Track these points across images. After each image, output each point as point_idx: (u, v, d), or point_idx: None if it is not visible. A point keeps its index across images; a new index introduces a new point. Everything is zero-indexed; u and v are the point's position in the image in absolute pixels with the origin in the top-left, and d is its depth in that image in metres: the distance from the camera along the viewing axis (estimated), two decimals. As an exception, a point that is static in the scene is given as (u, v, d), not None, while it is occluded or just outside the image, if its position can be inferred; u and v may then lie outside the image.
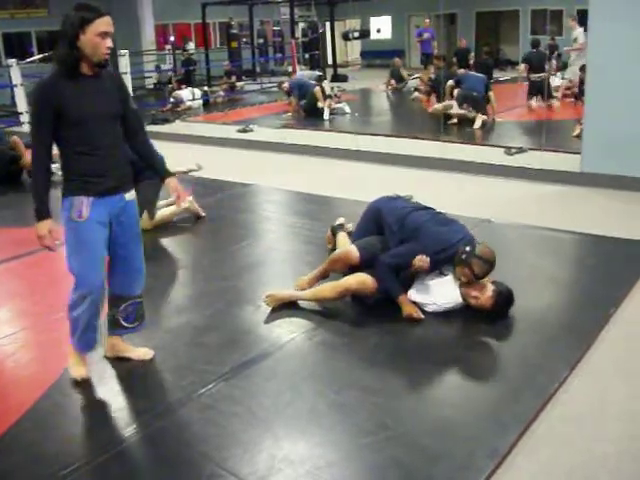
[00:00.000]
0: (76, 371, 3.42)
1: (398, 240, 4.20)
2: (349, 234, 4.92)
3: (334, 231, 5.13)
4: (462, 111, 10.61)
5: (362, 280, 4.08)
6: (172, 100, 14.20)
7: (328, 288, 4.16)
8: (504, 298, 3.94)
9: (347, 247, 4.38)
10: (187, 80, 15.92)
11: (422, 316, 3.97)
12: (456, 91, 10.91)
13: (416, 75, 15.80)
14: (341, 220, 5.18)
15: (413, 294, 4.09)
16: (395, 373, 3.46)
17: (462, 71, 12.90)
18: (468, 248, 3.96)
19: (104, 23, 3.08)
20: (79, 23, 3.06)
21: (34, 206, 3.14)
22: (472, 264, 3.90)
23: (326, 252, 4.95)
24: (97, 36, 3.03)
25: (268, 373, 3.47)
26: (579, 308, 4.16)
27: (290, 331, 3.89)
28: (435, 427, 2.95)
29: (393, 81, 16.07)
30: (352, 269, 4.24)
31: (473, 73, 11.98)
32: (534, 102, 11.74)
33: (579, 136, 7.64)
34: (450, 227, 4.22)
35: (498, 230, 5.63)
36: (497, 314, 3.94)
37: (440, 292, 4.06)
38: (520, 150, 8.29)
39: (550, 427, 2.95)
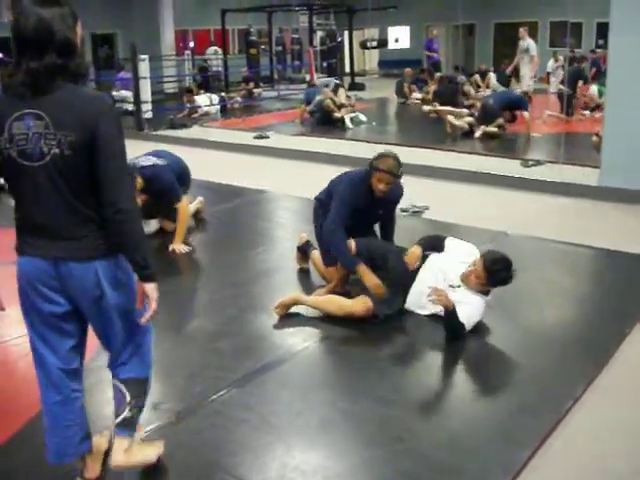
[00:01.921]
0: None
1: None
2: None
3: (304, 250, 4.96)
4: (458, 123, 10.61)
5: (368, 308, 4.02)
6: (189, 105, 14.26)
7: (334, 306, 4.10)
8: (492, 256, 3.92)
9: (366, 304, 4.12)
10: (204, 86, 15.98)
11: (379, 283, 4.01)
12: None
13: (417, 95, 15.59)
14: (304, 236, 5.00)
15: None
16: (409, 384, 3.44)
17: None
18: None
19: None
20: (74, 20, 2.26)
21: (144, 261, 2.34)
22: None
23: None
24: (80, 41, 2.32)
25: (281, 381, 3.45)
26: (596, 324, 4.12)
27: (303, 339, 3.87)
28: (448, 441, 2.92)
29: (406, 91, 15.65)
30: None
31: (499, 92, 12.19)
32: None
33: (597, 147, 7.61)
34: None
35: (514, 243, 5.59)
36: (494, 278, 3.87)
37: (468, 310, 3.86)
38: (537, 163, 8.25)
39: (565, 444, 2.91)
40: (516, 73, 14.95)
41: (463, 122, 10.65)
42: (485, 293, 3.99)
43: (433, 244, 4.30)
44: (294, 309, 4.21)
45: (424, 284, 4.03)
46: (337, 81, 14.41)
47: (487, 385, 3.44)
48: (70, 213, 2.26)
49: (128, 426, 2.59)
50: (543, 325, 4.02)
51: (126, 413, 2.56)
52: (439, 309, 3.89)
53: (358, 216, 4.36)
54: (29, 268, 2.35)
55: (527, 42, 13.47)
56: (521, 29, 13.78)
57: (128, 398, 2.56)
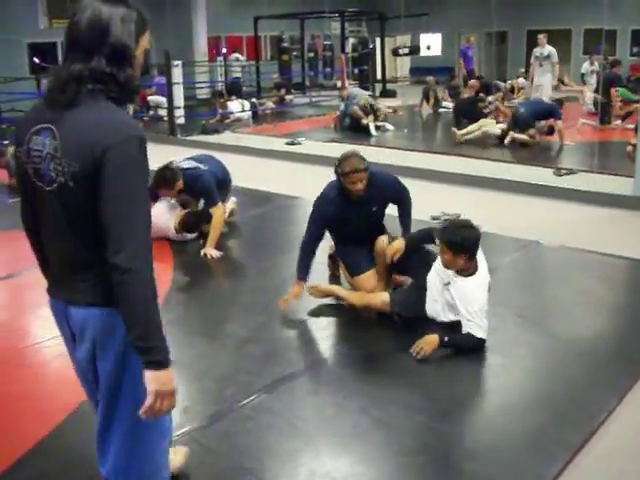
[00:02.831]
0: None
1: None
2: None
3: (334, 258, 4.94)
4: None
5: (384, 302, 4.14)
6: (221, 111, 14.36)
7: (356, 296, 4.33)
8: (444, 232, 3.84)
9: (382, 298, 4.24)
10: (235, 92, 16.06)
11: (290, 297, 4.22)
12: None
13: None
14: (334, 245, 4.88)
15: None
16: (440, 393, 3.42)
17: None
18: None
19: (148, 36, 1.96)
20: (141, 28, 1.91)
21: (145, 340, 1.81)
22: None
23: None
24: (142, 54, 1.94)
25: (310, 387, 3.46)
26: (630, 335, 4.06)
27: (333, 345, 3.88)
28: (479, 451, 2.90)
29: (425, 103, 15.28)
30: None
31: (532, 100, 12.15)
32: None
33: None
34: None
35: (547, 253, 5.54)
36: (461, 246, 3.70)
37: (471, 301, 3.77)
38: (570, 171, 8.17)
39: (597, 458, 2.86)
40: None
41: (497, 129, 10.57)
42: (474, 269, 3.82)
43: (421, 238, 4.32)
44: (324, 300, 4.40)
45: (432, 289, 3.99)
46: (369, 92, 14.33)
47: (518, 396, 3.41)
48: (71, 251, 1.92)
49: None
50: (576, 336, 3.97)
51: None
52: (455, 317, 3.85)
53: (348, 224, 4.36)
54: (51, 306, 2.09)
55: (547, 49, 12.81)
56: (540, 36, 13.10)
57: None
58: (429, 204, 6.41)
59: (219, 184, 5.81)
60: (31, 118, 1.92)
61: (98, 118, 1.81)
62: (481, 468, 2.78)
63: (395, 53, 18.83)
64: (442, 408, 3.26)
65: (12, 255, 5.95)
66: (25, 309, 4.75)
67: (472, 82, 14.07)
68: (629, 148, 7.81)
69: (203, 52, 19.87)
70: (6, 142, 9.14)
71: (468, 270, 3.80)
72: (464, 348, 3.73)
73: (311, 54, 22.14)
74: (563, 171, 8.18)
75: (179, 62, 13.26)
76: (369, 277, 4.41)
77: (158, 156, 7.46)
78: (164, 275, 5.16)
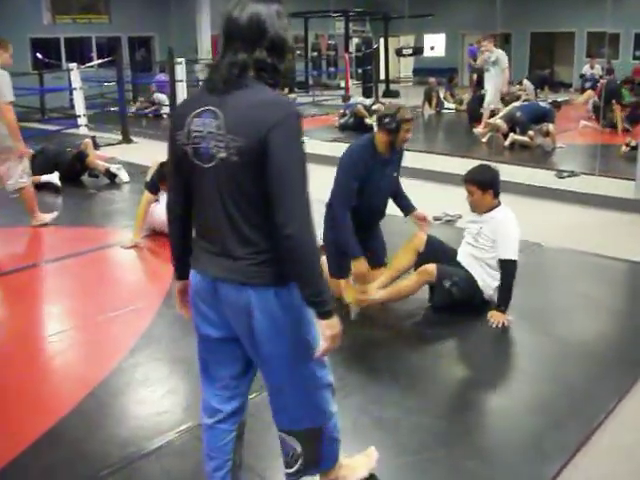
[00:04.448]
0: None
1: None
2: None
3: None
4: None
5: (433, 273, 4.15)
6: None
7: (389, 290, 4.27)
8: (474, 173, 4.29)
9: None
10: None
11: (365, 272, 4.14)
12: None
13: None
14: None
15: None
16: (439, 393, 3.44)
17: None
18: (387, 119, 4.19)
19: None
20: (287, 24, 2.10)
21: (317, 296, 2.04)
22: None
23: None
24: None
25: (311, 385, 3.46)
26: (629, 338, 4.07)
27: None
28: (478, 451, 2.92)
29: (427, 104, 15.17)
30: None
31: (528, 103, 11.86)
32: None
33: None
34: None
35: (548, 255, 5.56)
36: (492, 184, 4.23)
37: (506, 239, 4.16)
38: (572, 174, 8.18)
39: (595, 459, 2.88)
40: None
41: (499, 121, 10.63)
42: (497, 205, 4.28)
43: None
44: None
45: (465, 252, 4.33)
46: (369, 101, 14.25)
47: (517, 397, 3.42)
48: (230, 228, 2.02)
49: (305, 473, 2.37)
50: (576, 338, 3.99)
51: (298, 466, 2.33)
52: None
53: (370, 186, 4.25)
54: (194, 282, 2.17)
55: (496, 53, 11.34)
56: (484, 41, 11.55)
57: (299, 449, 2.30)
58: (431, 205, 6.40)
59: None
60: (190, 103, 2.11)
61: (261, 98, 1.98)
62: (480, 468, 2.79)
63: (399, 53, 18.82)
64: (441, 409, 3.28)
65: (15, 251, 5.98)
66: (28, 305, 4.77)
67: None
68: (624, 149, 7.88)
69: (207, 50, 19.87)
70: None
71: (495, 208, 4.25)
72: (511, 286, 4.09)
73: (315, 53, 22.15)
74: (565, 173, 8.19)
75: (182, 60, 13.26)
76: (363, 261, 4.23)
77: (161, 153, 7.50)
78: (166, 271, 5.16)
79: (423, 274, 4.13)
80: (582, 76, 15.94)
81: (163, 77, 15.33)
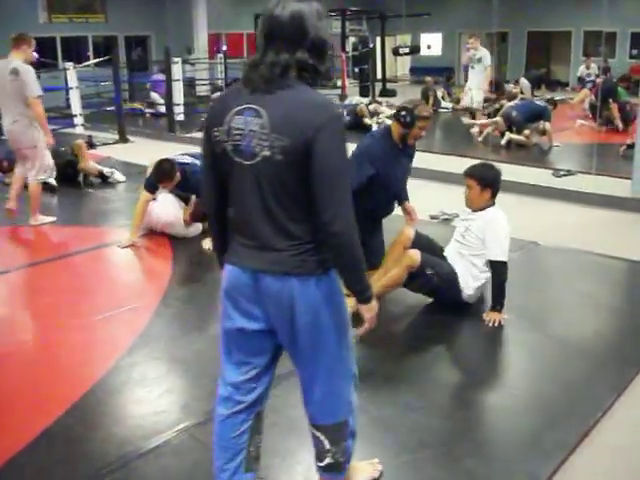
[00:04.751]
0: None
1: None
2: None
3: None
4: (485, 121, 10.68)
5: (417, 260, 4.08)
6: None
7: (379, 282, 4.18)
8: (479, 169, 4.28)
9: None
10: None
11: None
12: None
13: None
14: None
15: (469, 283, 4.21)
16: (437, 392, 3.44)
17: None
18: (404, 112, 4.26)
19: None
20: (326, 23, 2.16)
21: (360, 284, 2.19)
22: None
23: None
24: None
25: (308, 384, 3.46)
26: (627, 336, 4.08)
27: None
28: (476, 449, 2.92)
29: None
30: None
31: (524, 102, 11.87)
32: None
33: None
34: None
35: (545, 253, 5.56)
36: (494, 183, 4.23)
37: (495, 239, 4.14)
38: (568, 173, 8.20)
39: (593, 456, 2.89)
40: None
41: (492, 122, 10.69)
42: (490, 205, 4.25)
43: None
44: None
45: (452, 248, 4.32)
46: (364, 101, 14.24)
47: (514, 395, 3.43)
48: (271, 222, 2.07)
49: (334, 470, 2.41)
50: (572, 336, 3.99)
51: (329, 460, 2.37)
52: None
53: (387, 176, 4.35)
54: (231, 277, 2.19)
55: (481, 52, 11.32)
56: (471, 39, 11.62)
57: (327, 446, 2.35)
58: (428, 203, 6.44)
59: None
60: (228, 101, 2.11)
61: (305, 99, 2.02)
62: (478, 466, 2.80)
63: (395, 52, 18.84)
64: (438, 407, 3.28)
65: (11, 250, 5.98)
66: (25, 304, 4.76)
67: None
68: (623, 148, 7.89)
69: (203, 49, 19.86)
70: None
71: (487, 207, 4.23)
72: (504, 286, 4.07)
73: (311, 52, 22.11)
74: (561, 172, 8.21)
75: (179, 59, 13.24)
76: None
77: (157, 153, 7.50)
78: (164, 270, 5.18)
79: (407, 259, 4.10)
80: (580, 78, 15.92)
81: (158, 76, 15.29)
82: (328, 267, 2.13)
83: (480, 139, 10.74)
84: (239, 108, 2.04)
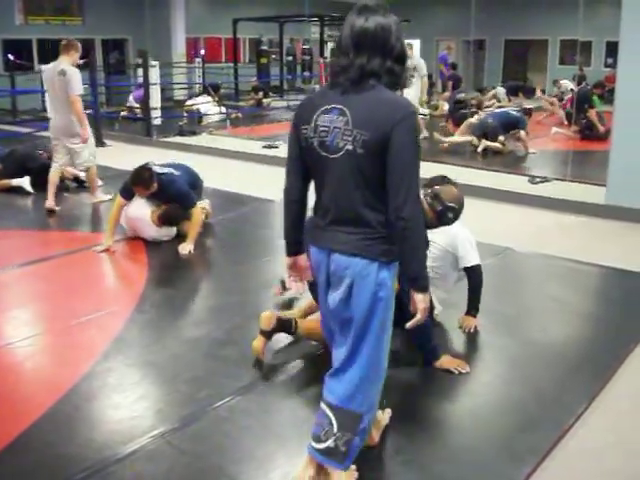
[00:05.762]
0: None
1: None
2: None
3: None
4: (467, 138, 10.75)
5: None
6: (185, 114, 14.42)
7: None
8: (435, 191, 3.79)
9: None
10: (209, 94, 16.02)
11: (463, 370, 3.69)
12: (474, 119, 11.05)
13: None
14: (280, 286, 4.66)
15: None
16: (410, 396, 3.45)
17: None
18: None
19: None
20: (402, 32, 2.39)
21: (420, 271, 2.37)
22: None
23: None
24: None
25: (285, 389, 3.47)
26: (599, 341, 4.12)
27: (309, 347, 3.89)
28: (449, 454, 2.94)
29: None
30: None
31: (500, 111, 11.92)
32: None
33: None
34: None
35: (519, 259, 5.62)
36: (443, 218, 3.81)
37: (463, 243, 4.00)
38: (544, 179, 8.28)
39: (565, 461, 2.91)
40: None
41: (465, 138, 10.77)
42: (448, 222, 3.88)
43: None
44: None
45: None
46: None
47: (489, 400, 3.45)
48: (350, 209, 2.35)
49: (332, 456, 2.47)
50: (546, 341, 4.03)
51: (330, 443, 2.46)
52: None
53: None
54: (314, 256, 2.51)
55: (415, 61, 11.00)
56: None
57: (335, 429, 2.45)
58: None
59: (192, 187, 6.07)
60: (316, 101, 2.40)
61: (384, 98, 2.29)
62: (452, 470, 2.81)
63: (373, 58, 18.85)
64: (411, 412, 3.29)
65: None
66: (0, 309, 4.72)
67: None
68: None
69: (181, 53, 19.80)
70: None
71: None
72: (480, 291, 4.06)
73: (290, 58, 22.15)
74: (537, 179, 8.29)
75: (156, 62, 13.18)
76: None
77: (133, 158, 7.46)
78: (139, 275, 5.15)
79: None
80: (558, 96, 15.97)
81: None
82: (392, 258, 2.36)
83: (446, 145, 10.79)
84: (326, 107, 2.33)
